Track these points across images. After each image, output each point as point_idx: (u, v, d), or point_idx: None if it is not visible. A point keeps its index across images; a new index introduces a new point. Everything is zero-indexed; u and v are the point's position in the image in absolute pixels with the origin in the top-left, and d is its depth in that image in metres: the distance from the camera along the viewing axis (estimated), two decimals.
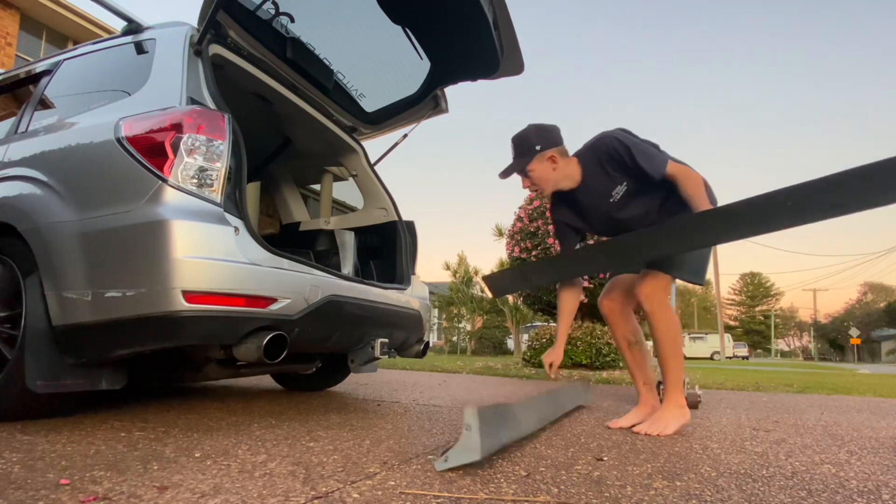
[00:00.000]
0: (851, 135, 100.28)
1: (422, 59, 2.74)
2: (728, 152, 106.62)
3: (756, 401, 3.60)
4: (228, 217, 1.72)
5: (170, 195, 1.62)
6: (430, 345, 3.12)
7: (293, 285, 1.87)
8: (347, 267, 2.69)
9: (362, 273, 2.92)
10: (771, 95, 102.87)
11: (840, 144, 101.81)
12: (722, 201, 2.00)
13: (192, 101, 1.81)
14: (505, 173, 2.15)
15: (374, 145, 4.71)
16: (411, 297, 2.71)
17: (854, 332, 38.96)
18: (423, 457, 1.46)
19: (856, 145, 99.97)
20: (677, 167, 2.01)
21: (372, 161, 3.08)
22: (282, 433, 1.73)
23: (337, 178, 3.49)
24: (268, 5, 2.36)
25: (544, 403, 2.05)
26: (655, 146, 2.11)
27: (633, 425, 2.10)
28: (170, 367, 2.14)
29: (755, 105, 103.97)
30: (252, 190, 3.41)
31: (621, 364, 6.62)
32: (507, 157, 2.16)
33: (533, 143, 2.10)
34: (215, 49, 2.08)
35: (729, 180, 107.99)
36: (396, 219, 2.93)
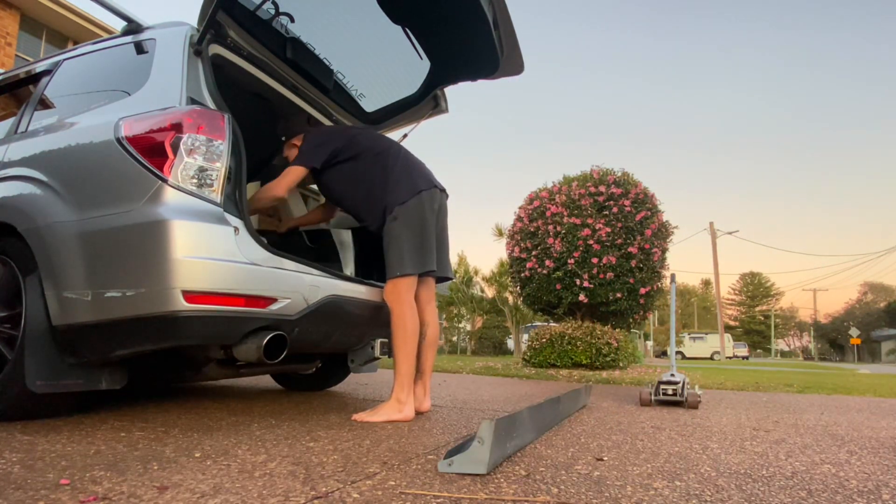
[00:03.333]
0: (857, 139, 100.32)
1: (422, 59, 2.74)
2: (728, 155, 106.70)
3: (756, 401, 3.60)
4: (228, 217, 1.72)
5: (170, 195, 1.62)
6: None
7: (293, 285, 1.87)
8: (349, 267, 2.69)
9: (362, 273, 2.91)
10: (774, 98, 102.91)
11: (846, 148, 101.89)
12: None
13: (192, 101, 1.81)
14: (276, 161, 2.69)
15: None
16: None
17: (854, 332, 38.91)
18: (423, 457, 1.46)
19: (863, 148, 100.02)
20: (284, 175, 2.29)
21: None
22: (282, 433, 1.73)
23: None
24: (268, 5, 2.36)
25: (548, 411, 2.06)
26: (322, 143, 2.32)
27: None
28: (170, 367, 2.14)
29: (757, 109, 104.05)
30: (252, 190, 3.41)
31: (621, 364, 6.62)
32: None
33: (280, 135, 2.53)
34: (215, 49, 2.08)
35: (729, 184, 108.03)
36: None
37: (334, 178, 2.35)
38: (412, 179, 2.27)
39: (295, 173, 2.28)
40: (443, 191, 2.41)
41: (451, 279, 2.53)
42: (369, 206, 2.31)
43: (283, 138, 2.46)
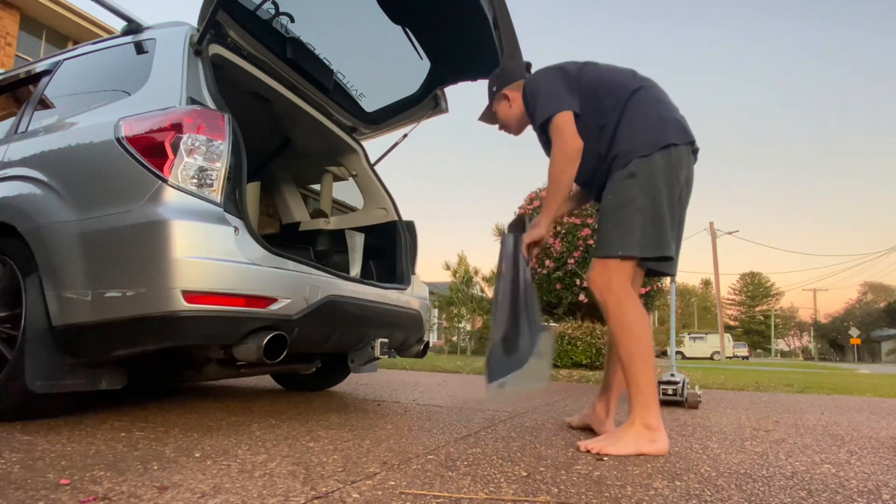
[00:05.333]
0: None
1: (422, 59, 2.74)
2: (728, 155, 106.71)
3: (756, 401, 3.60)
4: (228, 217, 1.72)
5: (170, 195, 1.62)
6: (430, 345, 3.12)
7: (293, 285, 1.87)
8: (356, 268, 2.68)
9: (362, 273, 2.92)
10: (783, 95, 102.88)
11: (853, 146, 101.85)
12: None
13: (192, 100, 1.81)
14: (480, 118, 2.08)
15: (374, 145, 4.71)
16: (411, 297, 2.71)
17: (854, 332, 38.94)
18: (423, 457, 1.46)
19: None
20: (555, 128, 1.71)
21: (372, 161, 3.08)
22: (282, 433, 1.73)
23: (337, 178, 3.50)
24: (268, 5, 2.36)
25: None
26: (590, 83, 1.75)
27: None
28: (170, 367, 2.14)
29: (765, 107, 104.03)
30: (252, 190, 3.41)
31: None
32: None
33: (491, 86, 2.02)
34: (215, 49, 2.08)
35: (734, 185, 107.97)
36: (396, 219, 2.93)
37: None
38: (660, 125, 1.68)
39: (567, 119, 1.70)
40: (695, 151, 1.78)
41: (670, 275, 1.89)
42: (593, 161, 1.76)
43: (495, 88, 2.00)
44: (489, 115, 2.06)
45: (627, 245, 1.62)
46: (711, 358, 30.64)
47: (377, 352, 2.39)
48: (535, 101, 1.78)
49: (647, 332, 1.63)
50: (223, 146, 1.74)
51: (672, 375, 3.11)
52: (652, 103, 1.73)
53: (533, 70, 1.98)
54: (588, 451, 1.56)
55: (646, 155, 1.65)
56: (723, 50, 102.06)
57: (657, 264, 1.76)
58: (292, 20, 2.50)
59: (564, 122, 1.70)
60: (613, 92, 1.74)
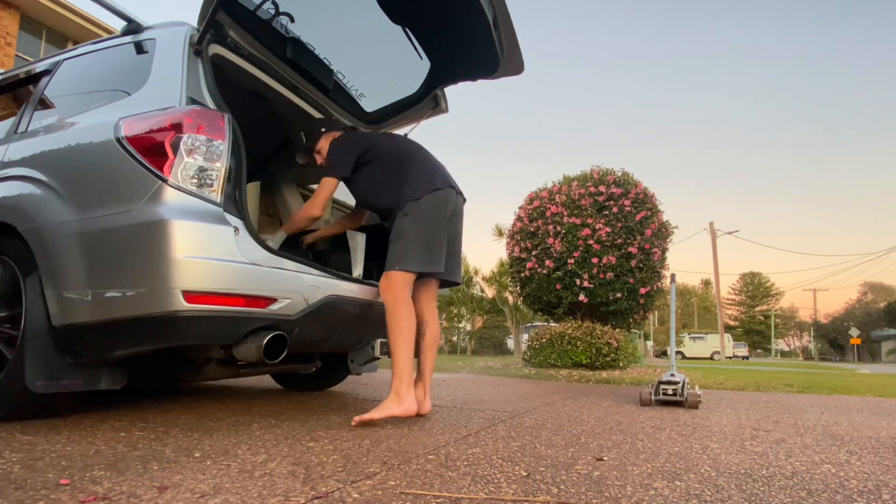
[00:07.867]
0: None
1: (422, 59, 2.74)
2: (729, 154, 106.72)
3: (756, 401, 3.60)
4: (228, 217, 1.72)
5: (170, 195, 1.62)
6: None
7: (293, 285, 1.87)
8: (358, 269, 2.68)
9: (362, 273, 2.91)
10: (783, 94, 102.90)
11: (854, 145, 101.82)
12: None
13: (192, 100, 1.81)
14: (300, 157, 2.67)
15: None
16: None
17: (854, 332, 38.92)
18: (423, 457, 1.46)
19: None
20: (318, 190, 2.31)
21: None
22: (282, 433, 1.73)
23: None
24: (268, 5, 2.36)
25: None
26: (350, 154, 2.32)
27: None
28: (170, 367, 2.14)
29: (765, 104, 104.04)
30: (252, 190, 3.41)
31: (621, 364, 6.62)
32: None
33: (301, 147, 2.61)
34: (215, 49, 2.08)
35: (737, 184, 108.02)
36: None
37: (360, 181, 2.36)
38: (429, 177, 2.26)
39: (329, 186, 2.29)
40: (460, 193, 2.39)
41: (457, 284, 2.45)
42: (390, 205, 2.32)
43: (305, 141, 2.52)
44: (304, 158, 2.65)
45: (403, 263, 2.12)
46: (711, 358, 30.64)
47: (377, 352, 2.39)
48: (327, 160, 2.37)
49: (410, 327, 2.09)
50: (223, 146, 1.74)
51: (672, 375, 3.11)
52: (421, 163, 2.32)
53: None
54: (360, 422, 1.94)
55: (417, 198, 2.19)
56: (725, 47, 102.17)
57: (439, 275, 2.30)
58: (292, 20, 2.50)
59: (325, 187, 2.30)
60: (395, 158, 2.33)
